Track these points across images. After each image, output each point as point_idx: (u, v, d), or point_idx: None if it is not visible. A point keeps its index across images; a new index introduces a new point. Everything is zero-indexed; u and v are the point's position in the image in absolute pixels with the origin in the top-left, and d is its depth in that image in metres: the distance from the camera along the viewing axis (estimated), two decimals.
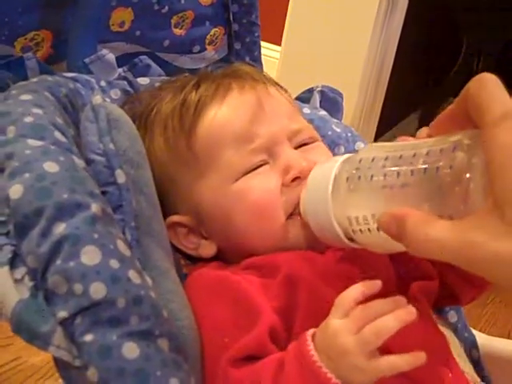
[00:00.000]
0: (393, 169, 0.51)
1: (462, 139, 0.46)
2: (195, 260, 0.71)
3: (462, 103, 0.47)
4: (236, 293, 0.60)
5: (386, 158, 0.52)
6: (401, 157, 0.51)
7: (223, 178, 0.66)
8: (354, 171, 0.55)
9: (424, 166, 0.48)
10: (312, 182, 0.62)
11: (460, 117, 0.48)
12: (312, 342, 0.52)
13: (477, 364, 0.75)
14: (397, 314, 0.50)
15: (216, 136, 0.67)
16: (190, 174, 0.68)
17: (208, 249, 0.69)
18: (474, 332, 0.79)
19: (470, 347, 0.77)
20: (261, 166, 0.67)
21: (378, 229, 0.52)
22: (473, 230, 0.42)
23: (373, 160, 0.53)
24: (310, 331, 0.53)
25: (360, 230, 0.55)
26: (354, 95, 1.77)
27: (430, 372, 0.56)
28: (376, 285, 0.52)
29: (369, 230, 0.54)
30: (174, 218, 0.69)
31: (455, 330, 0.75)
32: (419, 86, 1.99)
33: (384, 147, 0.54)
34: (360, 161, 0.55)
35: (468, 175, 0.45)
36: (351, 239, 0.58)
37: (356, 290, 0.52)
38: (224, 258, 0.69)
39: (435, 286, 0.67)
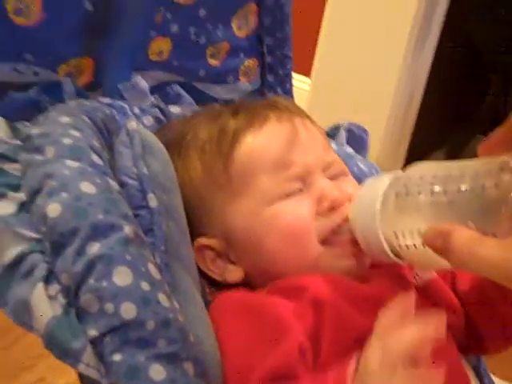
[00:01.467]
0: (440, 187, 0.52)
1: (509, 161, 0.48)
2: (220, 287, 0.71)
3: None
4: (262, 312, 0.60)
5: (434, 177, 0.54)
6: (448, 176, 0.52)
7: (257, 202, 0.67)
8: (402, 188, 0.57)
9: (471, 185, 0.50)
10: (361, 197, 0.63)
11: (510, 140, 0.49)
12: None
13: None
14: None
15: (253, 161, 0.68)
16: (224, 197, 0.69)
17: (234, 274, 0.69)
18: (494, 379, 0.78)
19: None
20: (295, 193, 0.67)
21: (423, 244, 0.53)
22: None
23: (421, 178, 0.55)
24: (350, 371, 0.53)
25: (406, 245, 0.57)
26: (381, 130, 1.79)
27: None
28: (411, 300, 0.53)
29: (414, 245, 0.56)
30: (203, 241, 0.69)
31: (476, 374, 0.74)
32: (447, 123, 1.99)
33: (432, 166, 0.56)
34: (409, 178, 0.57)
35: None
36: (397, 255, 0.60)
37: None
38: (250, 284, 0.69)
39: (460, 321, 0.67)
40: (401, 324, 0.51)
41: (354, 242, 0.64)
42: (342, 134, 0.92)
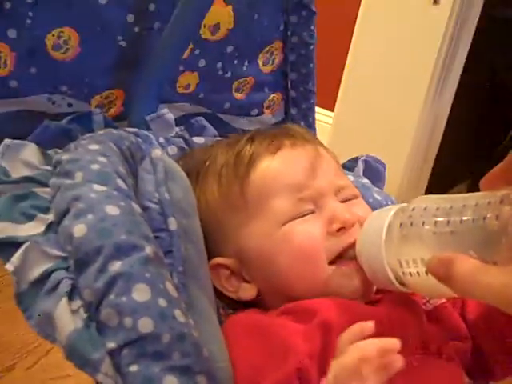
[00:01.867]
0: (443, 218, 0.55)
1: (509, 194, 0.50)
2: (234, 309, 0.73)
3: None
4: (269, 334, 0.62)
5: (438, 208, 0.56)
6: (451, 207, 0.54)
7: (270, 222, 0.70)
8: (407, 218, 0.59)
9: (472, 217, 0.52)
10: (367, 226, 0.66)
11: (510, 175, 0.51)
12: None
13: None
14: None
15: (268, 185, 0.71)
16: (239, 218, 0.72)
17: (248, 292, 0.72)
18: None
19: None
20: (307, 214, 0.70)
21: (426, 272, 0.55)
22: None
23: (425, 209, 0.57)
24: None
25: (410, 273, 0.59)
26: (402, 165, 1.80)
27: None
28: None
29: (418, 273, 0.58)
30: (219, 260, 0.72)
31: None
32: (468, 158, 1.99)
33: (436, 199, 0.58)
34: (413, 209, 0.59)
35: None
36: (401, 283, 0.62)
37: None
38: (263, 302, 0.72)
39: (468, 347, 0.68)
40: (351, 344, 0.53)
41: (359, 265, 0.67)
42: (360, 166, 0.94)
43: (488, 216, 0.50)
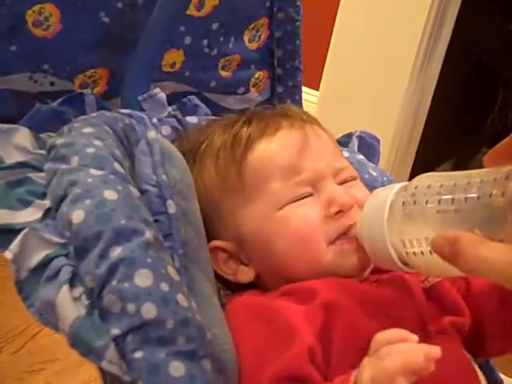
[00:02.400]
0: (447, 195, 0.54)
1: None
2: (233, 289, 0.73)
3: None
4: (273, 316, 0.62)
5: (441, 186, 0.55)
6: (455, 184, 0.54)
7: (268, 205, 0.70)
8: (409, 197, 0.58)
9: (477, 194, 0.51)
10: (369, 206, 0.65)
11: None
12: None
13: None
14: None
15: (265, 167, 0.70)
16: (236, 201, 0.71)
17: (246, 274, 0.72)
18: (503, 377, 0.79)
19: None
20: (305, 197, 0.70)
21: (430, 252, 0.55)
22: None
23: (428, 187, 0.56)
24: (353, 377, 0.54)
25: (413, 253, 0.58)
26: (388, 143, 1.80)
27: None
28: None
29: (422, 252, 0.57)
30: (216, 243, 0.72)
31: (483, 372, 0.75)
32: (454, 135, 2.01)
33: (439, 176, 0.57)
34: (416, 187, 0.58)
35: None
36: (404, 263, 0.61)
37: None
38: (261, 284, 0.72)
39: (467, 322, 0.69)
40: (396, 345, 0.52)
41: (358, 243, 0.66)
42: (354, 142, 0.94)
43: (494, 193, 0.49)
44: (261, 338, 0.61)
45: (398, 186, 0.62)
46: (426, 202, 0.56)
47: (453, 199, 0.53)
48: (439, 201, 0.54)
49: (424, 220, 0.56)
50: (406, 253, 0.59)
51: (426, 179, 0.59)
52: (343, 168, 0.74)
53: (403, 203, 0.59)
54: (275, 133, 0.72)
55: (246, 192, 0.71)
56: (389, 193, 0.62)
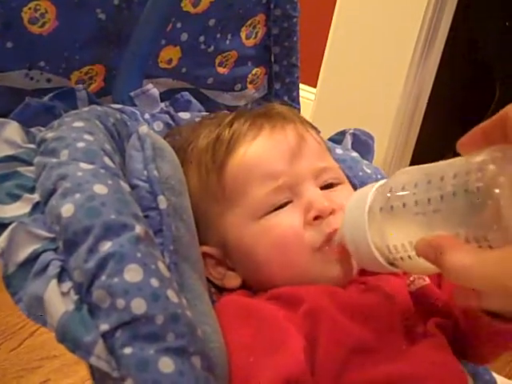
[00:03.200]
0: (423, 195, 0.52)
1: (487, 159, 0.48)
2: (222, 289, 0.73)
3: (498, 123, 0.49)
4: (263, 316, 0.62)
5: (416, 185, 0.53)
6: (429, 182, 0.52)
7: (248, 214, 0.69)
8: (385, 201, 0.56)
9: (452, 190, 0.49)
10: (348, 213, 0.63)
11: (493, 135, 0.49)
12: None
13: None
14: None
15: (244, 173, 0.70)
16: (218, 208, 0.71)
17: (233, 280, 0.72)
18: (496, 376, 0.78)
19: None
20: (285, 204, 0.69)
21: (418, 255, 0.53)
22: (509, 260, 0.44)
23: (403, 188, 0.55)
24: None
25: (401, 258, 0.56)
26: (386, 138, 1.79)
27: None
28: None
29: (409, 256, 0.55)
30: (204, 249, 0.71)
31: (475, 373, 0.73)
32: (451, 132, 2.00)
33: (413, 173, 0.56)
34: (391, 190, 0.56)
35: (497, 191, 0.46)
36: (391, 264, 0.59)
37: None
38: (248, 289, 0.71)
39: (451, 324, 0.67)
40: None
41: (343, 248, 0.65)
42: (348, 139, 0.93)
43: (469, 187, 0.48)
44: (248, 338, 0.60)
45: (373, 190, 0.60)
46: (404, 205, 0.54)
47: (429, 199, 0.51)
48: (416, 202, 0.53)
49: (405, 224, 0.55)
50: (394, 258, 0.58)
51: (400, 177, 0.57)
52: (326, 168, 0.72)
53: (381, 209, 0.57)
54: (256, 136, 0.71)
55: (227, 199, 0.70)
56: (365, 199, 0.60)
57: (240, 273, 0.72)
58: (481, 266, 0.45)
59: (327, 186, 0.72)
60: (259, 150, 0.71)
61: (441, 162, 0.54)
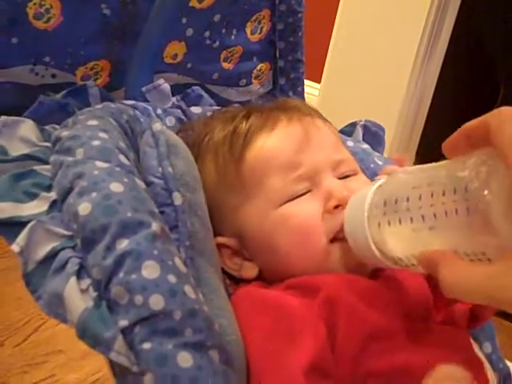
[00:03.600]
0: (416, 213, 0.53)
1: (471, 175, 0.48)
2: (238, 280, 0.73)
3: (481, 128, 0.49)
4: (279, 306, 0.63)
5: (408, 200, 0.54)
6: (420, 197, 0.53)
7: (268, 203, 0.70)
8: (382, 216, 0.58)
9: (443, 209, 0.50)
10: (349, 218, 0.64)
11: (476, 138, 0.50)
12: None
13: None
14: None
15: (263, 164, 0.70)
16: (237, 199, 0.71)
17: (250, 270, 0.72)
18: (509, 364, 0.80)
19: (504, 379, 0.78)
20: (304, 193, 0.70)
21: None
22: (502, 274, 0.45)
23: (396, 202, 0.56)
24: None
25: (407, 266, 0.58)
26: (391, 133, 1.80)
27: None
28: None
29: (413, 264, 0.57)
30: (220, 240, 0.72)
31: (490, 360, 0.75)
32: (456, 126, 2.00)
33: (404, 182, 0.57)
34: (385, 204, 0.58)
35: (486, 207, 0.46)
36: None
37: None
38: (264, 279, 0.72)
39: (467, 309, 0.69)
40: None
41: None
42: (359, 131, 0.94)
43: (458, 208, 0.49)
44: (270, 327, 0.61)
45: (367, 204, 0.61)
46: (399, 221, 0.55)
47: (423, 216, 0.52)
48: (411, 219, 0.54)
49: (405, 238, 0.56)
50: (403, 265, 0.59)
51: (393, 187, 0.58)
52: (343, 160, 0.73)
53: (379, 224, 0.58)
54: (273, 128, 0.72)
55: (245, 190, 0.71)
56: (362, 214, 0.61)
57: (257, 263, 0.72)
58: (470, 281, 0.47)
59: (344, 178, 0.72)
60: (277, 141, 0.71)
61: (429, 170, 0.55)
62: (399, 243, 0.57)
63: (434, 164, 0.56)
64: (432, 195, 0.52)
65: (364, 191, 0.63)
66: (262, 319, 0.62)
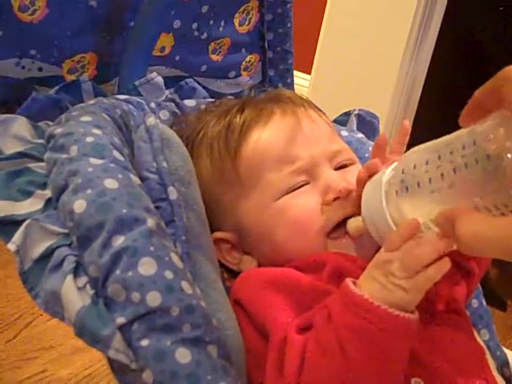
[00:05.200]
0: (435, 172, 0.52)
1: (490, 126, 0.48)
2: (236, 274, 0.73)
3: (490, 90, 0.49)
4: (289, 279, 0.63)
5: (427, 162, 0.54)
6: (439, 157, 0.52)
7: (265, 197, 0.70)
8: (399, 184, 0.57)
9: (463, 161, 0.49)
10: (366, 202, 0.63)
11: (488, 103, 0.49)
12: (351, 281, 0.55)
13: (508, 382, 0.76)
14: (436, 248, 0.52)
15: (259, 158, 0.70)
16: (234, 193, 0.72)
17: (248, 264, 0.72)
18: (506, 351, 0.81)
19: (502, 365, 0.79)
20: (302, 186, 0.70)
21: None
22: None
23: (414, 167, 0.55)
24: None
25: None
26: (382, 124, 1.77)
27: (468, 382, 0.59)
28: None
29: (430, 229, 0.56)
30: (218, 235, 0.72)
31: (488, 347, 0.76)
32: (447, 115, 2.01)
33: (421, 150, 0.56)
34: (403, 171, 0.57)
35: (509, 156, 0.46)
36: None
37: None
38: None
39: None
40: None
41: (356, 230, 0.66)
42: (353, 121, 0.93)
43: (479, 156, 0.48)
44: (284, 301, 0.61)
45: (386, 175, 0.61)
46: (418, 184, 0.54)
47: (442, 174, 0.52)
48: (430, 179, 0.53)
49: (423, 203, 0.55)
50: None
51: (411, 158, 0.57)
52: (340, 150, 0.73)
53: (396, 192, 0.58)
54: (268, 121, 0.72)
55: (243, 184, 0.71)
56: (380, 185, 0.60)
57: (256, 256, 0.72)
58: (489, 231, 0.46)
59: (341, 167, 0.73)
60: (272, 134, 0.71)
61: (447, 136, 0.54)
62: (417, 210, 0.56)
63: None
64: (452, 152, 0.51)
65: (379, 173, 0.63)
66: (275, 295, 0.62)
